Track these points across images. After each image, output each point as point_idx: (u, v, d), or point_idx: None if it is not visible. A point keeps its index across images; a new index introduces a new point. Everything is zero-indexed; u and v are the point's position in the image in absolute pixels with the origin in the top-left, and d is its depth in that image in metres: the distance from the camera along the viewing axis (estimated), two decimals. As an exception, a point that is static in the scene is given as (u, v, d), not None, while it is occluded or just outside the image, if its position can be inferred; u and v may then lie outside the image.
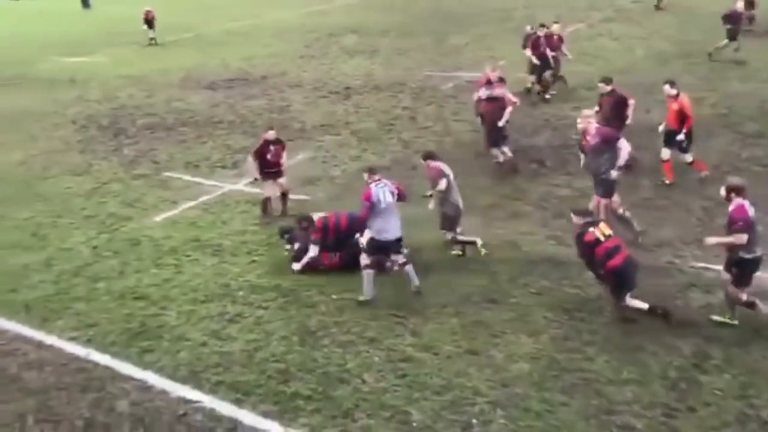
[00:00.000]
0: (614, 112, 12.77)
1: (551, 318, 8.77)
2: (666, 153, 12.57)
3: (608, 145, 10.08)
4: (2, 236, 12.17)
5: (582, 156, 10.99)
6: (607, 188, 10.22)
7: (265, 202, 12.20)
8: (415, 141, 15.89)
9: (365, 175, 9.69)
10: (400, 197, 9.52)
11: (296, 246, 10.46)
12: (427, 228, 11.22)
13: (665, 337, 8.25)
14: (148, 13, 30.78)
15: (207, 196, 13.43)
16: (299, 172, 14.36)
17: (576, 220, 8.78)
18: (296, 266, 10.23)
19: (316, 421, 7.24)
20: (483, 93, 13.81)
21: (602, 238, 8.40)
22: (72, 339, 8.97)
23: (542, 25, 18.45)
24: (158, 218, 12.55)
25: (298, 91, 21.13)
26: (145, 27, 30.71)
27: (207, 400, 7.66)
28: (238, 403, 7.59)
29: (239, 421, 7.33)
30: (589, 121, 10.26)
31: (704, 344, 8.10)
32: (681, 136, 12.33)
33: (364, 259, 9.36)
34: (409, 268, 9.49)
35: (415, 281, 9.45)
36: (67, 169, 15.49)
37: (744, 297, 8.16)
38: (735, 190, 7.97)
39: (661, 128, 12.79)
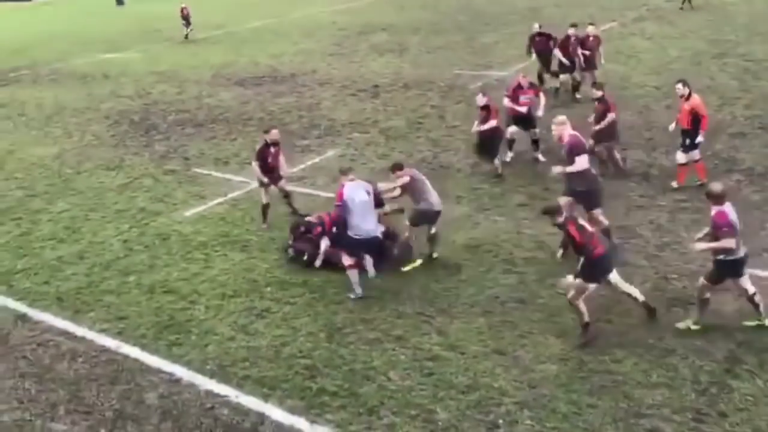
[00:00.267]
0: (602, 118, 12.75)
1: (579, 319, 8.68)
2: (681, 157, 12.29)
3: (572, 154, 9.81)
4: (38, 229, 12.41)
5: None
6: (593, 201, 9.93)
7: (265, 210, 11.80)
8: (444, 140, 15.85)
9: (341, 176, 9.73)
10: (376, 199, 9.67)
11: (306, 253, 10.38)
12: (455, 228, 11.21)
13: (696, 341, 8.13)
14: (183, 9, 31.18)
15: (236, 192, 13.54)
16: (327, 170, 14.42)
17: (551, 219, 8.49)
18: (317, 262, 10.23)
19: (342, 417, 7.27)
20: (507, 102, 13.78)
21: (591, 229, 8.33)
22: (103, 331, 9.11)
23: (573, 25, 18.15)
24: (188, 213, 12.69)
25: (328, 89, 21.20)
26: (183, 23, 31.14)
27: (234, 394, 7.73)
28: (264, 397, 7.64)
29: (266, 415, 7.38)
30: (563, 128, 9.99)
31: (736, 349, 7.97)
32: (700, 138, 12.07)
33: (347, 260, 9.42)
34: (368, 258, 9.72)
35: (371, 272, 9.71)
36: (100, 163, 15.74)
37: (707, 294, 8.22)
38: (713, 198, 7.99)
39: (671, 127, 12.58)
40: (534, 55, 18.55)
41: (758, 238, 10.24)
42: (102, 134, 18.07)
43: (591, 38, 17.77)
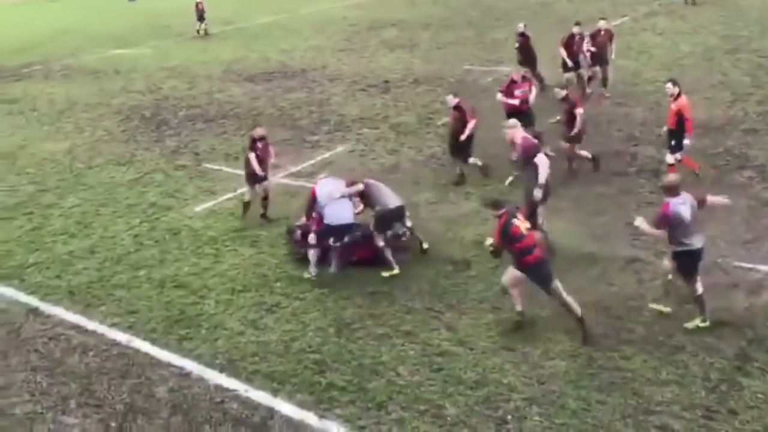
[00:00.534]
0: (567, 118, 12.69)
1: (588, 316, 8.66)
2: (669, 158, 12.15)
3: (527, 158, 9.75)
4: (49, 224, 12.49)
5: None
6: (531, 208, 9.90)
7: (247, 207, 11.89)
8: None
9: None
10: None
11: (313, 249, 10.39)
12: (464, 224, 11.21)
13: (707, 338, 8.10)
14: (198, 4, 31.27)
15: (246, 187, 13.57)
16: (337, 166, 14.43)
17: (492, 212, 8.48)
18: (333, 269, 10.14)
19: (351, 412, 7.29)
20: (501, 97, 13.70)
21: (524, 232, 8.23)
22: (113, 325, 9.17)
23: (577, 23, 17.81)
24: (198, 208, 12.73)
25: (338, 85, 21.20)
26: (198, 19, 31.24)
27: (243, 389, 7.76)
28: (274, 392, 7.68)
29: (275, 409, 7.41)
30: (514, 131, 9.88)
31: (747, 346, 7.93)
32: (687, 141, 11.92)
33: (312, 239, 9.91)
34: (335, 250, 9.98)
35: (332, 268, 9.98)
36: (111, 158, 15.82)
37: (670, 276, 8.39)
38: (666, 190, 8.22)
39: (663, 130, 12.49)
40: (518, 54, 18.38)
41: (770, 235, 10.16)
42: (113, 129, 18.16)
43: (602, 33, 17.47)
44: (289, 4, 39.19)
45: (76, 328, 9.17)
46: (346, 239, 10.01)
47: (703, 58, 20.85)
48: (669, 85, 12.04)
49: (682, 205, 8.09)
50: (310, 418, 7.27)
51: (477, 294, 9.32)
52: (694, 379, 7.46)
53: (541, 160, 9.70)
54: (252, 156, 11.71)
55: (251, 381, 7.89)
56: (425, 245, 10.40)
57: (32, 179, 14.84)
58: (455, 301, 9.17)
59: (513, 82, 13.87)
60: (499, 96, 13.94)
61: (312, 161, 14.80)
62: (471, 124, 12.49)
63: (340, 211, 10.03)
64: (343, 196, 10.13)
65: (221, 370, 8.10)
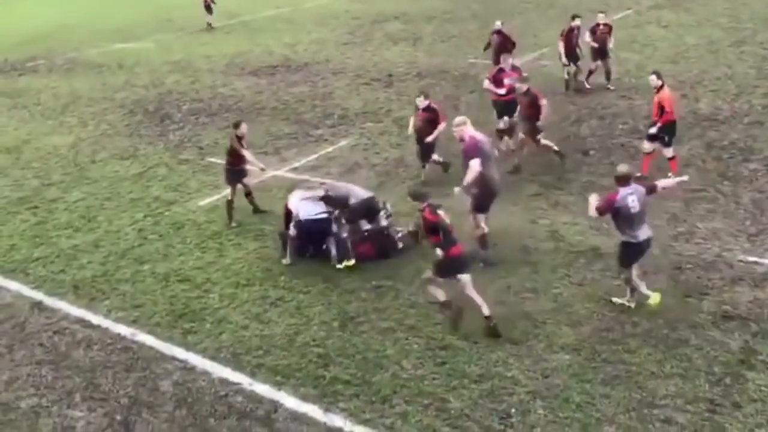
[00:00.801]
0: (529, 112, 12.62)
1: (593, 309, 8.68)
2: (648, 146, 12.19)
3: (465, 158, 9.70)
4: (54, 218, 12.52)
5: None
6: (477, 206, 9.84)
7: (231, 206, 11.71)
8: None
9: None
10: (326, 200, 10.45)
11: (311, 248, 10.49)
12: (469, 219, 11.18)
13: (711, 332, 8.09)
14: None
15: (249, 181, 13.57)
16: (341, 159, 14.43)
17: (418, 204, 8.48)
18: (342, 263, 10.16)
19: (355, 405, 7.30)
20: (488, 84, 13.65)
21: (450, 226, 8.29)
22: (118, 319, 9.20)
23: (576, 16, 17.70)
24: (202, 202, 12.74)
25: (341, 78, 21.16)
26: (206, 11, 31.21)
27: (248, 382, 7.78)
28: (278, 385, 7.70)
29: (279, 403, 7.43)
30: (462, 128, 9.83)
31: (751, 340, 7.92)
32: (653, 129, 11.98)
33: (292, 230, 10.22)
34: (330, 244, 10.18)
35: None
36: (114, 153, 15.84)
37: (630, 276, 8.50)
38: (617, 179, 8.32)
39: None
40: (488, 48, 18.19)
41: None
42: (117, 124, 18.16)
43: (602, 26, 17.43)
44: (292, -3, 39.10)
45: (81, 322, 9.20)
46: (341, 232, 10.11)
47: (708, 51, 20.76)
48: (653, 77, 12.06)
49: (630, 196, 8.21)
50: (314, 411, 7.29)
51: (481, 288, 9.28)
52: (698, 373, 7.45)
53: (473, 165, 9.52)
54: (246, 153, 11.62)
55: (255, 374, 7.91)
56: (400, 244, 10.35)
57: (36, 173, 14.87)
58: (459, 295, 9.15)
59: (501, 70, 13.81)
60: (486, 83, 13.88)
61: (315, 155, 14.79)
62: (441, 126, 12.23)
63: (309, 208, 10.31)
64: (308, 198, 10.54)
65: (226, 364, 8.13)
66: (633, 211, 8.19)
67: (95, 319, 9.24)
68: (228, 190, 11.83)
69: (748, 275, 9.20)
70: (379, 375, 7.74)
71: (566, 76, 17.92)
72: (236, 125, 11.84)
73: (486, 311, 8.27)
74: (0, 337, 8.98)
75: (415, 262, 9.99)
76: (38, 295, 9.91)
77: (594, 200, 8.40)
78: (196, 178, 13.97)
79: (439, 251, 8.27)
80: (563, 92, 17.65)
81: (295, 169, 14.10)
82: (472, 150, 9.65)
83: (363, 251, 10.18)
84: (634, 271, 8.51)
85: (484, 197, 9.85)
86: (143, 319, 9.14)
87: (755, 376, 7.37)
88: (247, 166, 11.79)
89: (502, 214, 11.43)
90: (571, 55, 17.41)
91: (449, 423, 6.99)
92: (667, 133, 12.01)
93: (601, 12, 18.01)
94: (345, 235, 10.14)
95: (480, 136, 9.94)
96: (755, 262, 9.46)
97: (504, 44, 17.48)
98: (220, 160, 14.83)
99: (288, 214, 10.59)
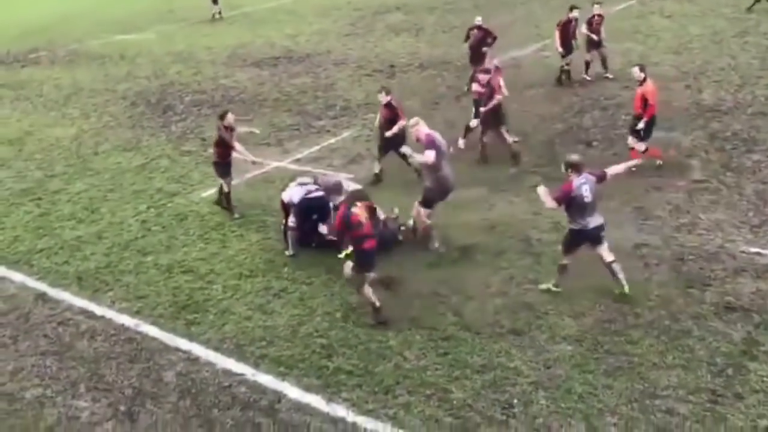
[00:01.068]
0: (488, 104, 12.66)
1: (595, 300, 8.69)
2: (632, 140, 12.15)
3: (425, 149, 9.76)
4: (57, 209, 12.54)
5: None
6: (425, 199, 9.89)
7: (229, 197, 11.76)
8: (459, 120, 15.73)
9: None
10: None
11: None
12: (471, 209, 11.20)
13: (713, 323, 8.11)
14: None
15: (252, 173, 13.58)
16: (343, 151, 14.43)
17: (339, 200, 8.81)
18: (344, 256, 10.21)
19: (358, 395, 7.33)
20: (475, 86, 13.57)
21: (363, 221, 8.41)
22: (122, 310, 9.23)
23: (573, 8, 17.60)
24: (204, 194, 12.75)
25: (343, 69, 21.13)
26: (212, 2, 31.15)
27: (251, 373, 7.82)
28: (281, 376, 7.73)
29: (282, 393, 7.47)
30: (417, 128, 9.88)
31: (754, 331, 7.93)
32: (641, 125, 11.93)
33: (291, 221, 10.24)
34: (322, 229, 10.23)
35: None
36: (117, 144, 15.84)
37: (565, 261, 8.75)
38: (571, 167, 8.45)
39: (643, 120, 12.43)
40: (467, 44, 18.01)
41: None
42: (119, 115, 18.16)
43: (596, 17, 17.47)
44: (294, -12, 38.97)
45: (85, 313, 9.23)
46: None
47: (712, 42, 20.68)
48: (635, 69, 12.05)
49: (584, 186, 8.35)
50: (317, 401, 7.32)
51: (483, 279, 9.33)
52: (700, 364, 7.47)
53: (428, 154, 9.63)
54: (237, 144, 11.52)
55: (259, 365, 7.94)
56: (400, 237, 10.35)
57: (39, 165, 14.88)
58: (461, 286, 9.18)
59: (486, 72, 13.84)
60: (475, 86, 13.79)
61: (318, 147, 14.79)
62: (401, 123, 12.15)
63: (302, 191, 10.37)
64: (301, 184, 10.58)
65: (229, 355, 8.16)
66: (586, 200, 8.35)
67: (99, 310, 9.28)
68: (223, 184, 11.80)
69: (751, 266, 9.20)
70: (381, 366, 7.77)
71: (565, 67, 17.88)
72: (222, 116, 11.67)
73: (378, 303, 8.49)
74: (4, 328, 9.02)
75: (416, 255, 10.01)
76: (42, 287, 9.95)
77: (543, 192, 8.53)
78: (199, 170, 13.98)
79: (349, 246, 8.51)
80: (564, 83, 17.62)
81: (297, 161, 14.11)
82: (429, 143, 9.77)
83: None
84: (608, 257, 8.61)
85: (434, 193, 9.92)
86: (147, 310, 9.17)
87: (757, 366, 7.38)
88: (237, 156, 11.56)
89: (504, 205, 11.46)
90: (566, 46, 17.39)
91: (452, 413, 7.02)
92: (646, 127, 11.96)
93: (597, 3, 17.92)
94: (325, 230, 10.13)
95: (435, 133, 10.01)
96: (758, 253, 9.46)
97: (484, 39, 17.46)
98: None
99: (285, 207, 10.57)
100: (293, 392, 7.48)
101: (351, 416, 7.07)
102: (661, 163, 12.25)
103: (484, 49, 17.09)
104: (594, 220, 8.51)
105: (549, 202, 8.47)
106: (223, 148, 11.54)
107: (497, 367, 7.62)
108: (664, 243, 9.91)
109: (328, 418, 7.10)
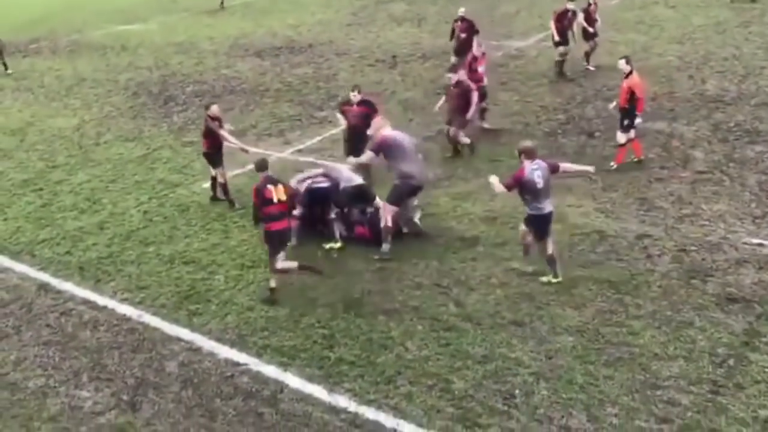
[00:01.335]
0: (459, 102, 12.64)
1: (597, 291, 8.70)
2: (621, 137, 12.06)
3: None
4: (59, 200, 12.55)
5: None
6: (392, 195, 9.85)
7: (226, 187, 11.78)
8: (462, 110, 15.71)
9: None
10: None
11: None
12: (473, 200, 11.20)
13: (714, 314, 8.11)
14: None
15: (252, 164, 13.57)
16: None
17: (261, 175, 8.95)
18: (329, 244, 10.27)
19: (360, 386, 7.35)
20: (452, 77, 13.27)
21: (275, 200, 8.66)
22: (124, 300, 9.25)
23: None
24: (206, 185, 12.72)
25: (345, 60, 21.08)
26: None
27: (253, 363, 7.83)
28: (283, 366, 7.75)
29: (284, 383, 7.49)
30: (378, 129, 9.92)
31: (755, 322, 7.94)
32: (639, 120, 11.86)
33: (296, 212, 10.10)
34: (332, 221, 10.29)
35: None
36: (119, 135, 15.83)
37: (528, 239, 8.96)
38: (524, 153, 8.65)
39: (611, 106, 12.39)
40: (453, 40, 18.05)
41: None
42: (121, 106, 18.14)
43: (592, 6, 17.55)
44: (296, -22, 38.84)
45: (87, 303, 9.25)
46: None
47: (715, 32, 20.60)
48: (622, 62, 11.99)
49: (536, 171, 8.52)
50: (319, 391, 7.34)
51: (485, 270, 9.34)
52: (701, 354, 7.48)
53: (367, 154, 10.05)
54: (225, 133, 11.62)
55: (261, 355, 7.96)
56: (405, 229, 10.33)
57: (41, 155, 14.88)
58: (463, 277, 9.19)
59: (474, 58, 13.89)
60: (462, 74, 13.72)
61: (319, 137, 14.77)
62: (378, 119, 12.10)
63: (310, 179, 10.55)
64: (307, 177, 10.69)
65: (231, 345, 8.18)
66: (539, 186, 8.52)
67: (101, 300, 9.29)
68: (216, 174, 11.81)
69: (753, 257, 9.20)
70: (383, 356, 7.79)
71: (558, 58, 17.81)
72: (207, 107, 12.00)
73: (273, 284, 8.87)
74: (7, 318, 9.04)
75: (418, 245, 10.02)
76: (44, 277, 9.96)
77: (495, 180, 8.73)
78: (201, 161, 13.88)
79: (263, 223, 8.82)
80: (564, 75, 17.58)
81: (299, 151, 14.10)
82: (377, 146, 9.87)
83: (360, 233, 10.23)
84: (551, 247, 8.78)
85: (402, 191, 9.88)
86: (149, 301, 9.19)
87: (758, 357, 7.39)
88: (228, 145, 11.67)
89: (506, 196, 11.43)
90: (562, 37, 17.37)
91: (453, 403, 7.03)
92: (629, 119, 11.89)
93: None
94: (333, 216, 10.19)
95: (398, 134, 10.02)
96: (760, 244, 9.46)
97: (469, 30, 17.56)
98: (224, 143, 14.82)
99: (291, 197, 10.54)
100: (295, 382, 7.50)
101: (353, 406, 7.09)
102: (639, 159, 12.18)
103: (475, 38, 17.05)
104: (548, 205, 8.71)
105: (498, 188, 8.71)
106: (212, 138, 11.68)
107: (499, 357, 7.64)
108: (667, 234, 9.91)
109: (329, 408, 7.12)
